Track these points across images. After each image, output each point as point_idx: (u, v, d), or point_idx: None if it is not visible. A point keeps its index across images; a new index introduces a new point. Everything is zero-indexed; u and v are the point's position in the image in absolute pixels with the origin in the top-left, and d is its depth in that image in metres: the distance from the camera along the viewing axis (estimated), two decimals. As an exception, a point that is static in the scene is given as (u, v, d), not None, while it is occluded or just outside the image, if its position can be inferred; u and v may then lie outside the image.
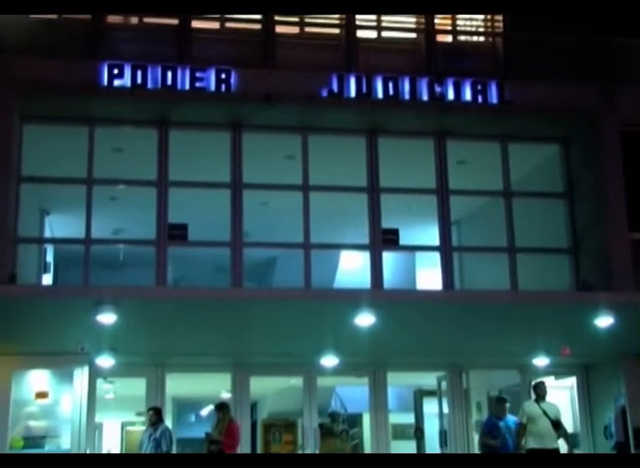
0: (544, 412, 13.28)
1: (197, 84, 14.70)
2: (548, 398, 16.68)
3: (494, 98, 15.45)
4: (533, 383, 14.14)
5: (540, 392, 13.83)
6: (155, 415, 14.42)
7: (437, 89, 15.37)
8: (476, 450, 16.49)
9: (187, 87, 14.67)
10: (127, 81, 14.49)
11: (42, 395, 14.57)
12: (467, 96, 15.43)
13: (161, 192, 15.01)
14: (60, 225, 17.01)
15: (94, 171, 14.83)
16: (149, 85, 14.56)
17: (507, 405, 14.68)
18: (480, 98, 15.44)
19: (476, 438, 16.98)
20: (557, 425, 13.31)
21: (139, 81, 14.50)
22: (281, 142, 15.52)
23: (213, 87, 14.74)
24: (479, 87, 15.43)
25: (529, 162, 16.26)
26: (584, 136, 15.90)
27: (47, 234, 17.15)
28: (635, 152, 15.83)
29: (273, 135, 15.40)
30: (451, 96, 15.38)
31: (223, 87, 14.77)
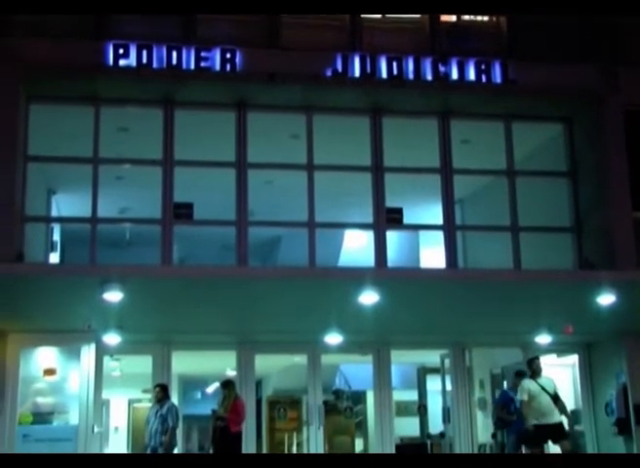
0: (543, 388, 13.11)
1: (202, 64, 14.64)
2: (549, 374, 16.86)
3: (497, 78, 15.39)
4: (527, 359, 14.01)
5: (536, 368, 13.57)
6: (161, 392, 14.51)
7: (441, 68, 15.30)
8: (478, 427, 16.62)
9: (192, 66, 14.61)
10: (132, 61, 14.43)
11: (50, 372, 14.67)
12: (471, 75, 15.35)
13: (166, 171, 15.00)
14: (67, 204, 17.00)
15: (100, 150, 14.79)
16: (155, 65, 14.50)
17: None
18: (484, 78, 15.38)
19: (479, 415, 17.12)
20: (556, 399, 13.16)
21: (144, 61, 14.43)
22: (286, 122, 15.46)
23: (218, 66, 14.69)
24: (483, 67, 15.36)
25: (532, 141, 16.20)
26: (588, 115, 15.82)
27: (54, 213, 17.15)
28: (638, 132, 15.80)
29: (278, 114, 15.34)
30: (455, 75, 15.30)
31: (228, 66, 14.72)
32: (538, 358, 13.84)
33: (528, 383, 13.40)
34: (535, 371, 13.43)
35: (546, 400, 13.01)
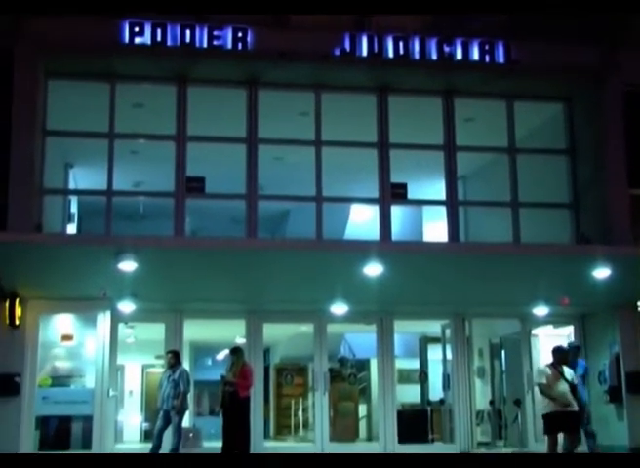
0: (562, 375, 12.19)
1: (214, 42, 14.63)
2: (547, 347, 16.86)
3: (500, 58, 15.36)
4: (553, 348, 12.80)
5: (564, 358, 12.52)
6: (174, 358, 14.52)
7: (446, 48, 15.28)
8: (477, 394, 16.73)
9: (205, 45, 14.61)
10: (147, 39, 14.44)
11: (67, 338, 14.75)
12: (475, 55, 15.33)
13: (179, 146, 15.05)
14: (84, 178, 17.04)
15: (115, 125, 14.86)
16: (169, 42, 14.50)
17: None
18: (487, 58, 15.35)
19: (478, 382, 17.22)
20: (574, 389, 12.22)
21: (158, 39, 14.45)
22: (295, 99, 15.48)
23: (229, 45, 14.68)
24: (486, 47, 15.34)
25: (533, 120, 16.21)
26: (587, 95, 15.82)
27: (71, 186, 17.19)
28: (636, 111, 15.77)
29: (288, 92, 15.36)
30: (459, 55, 15.28)
31: (240, 45, 14.69)
32: (565, 349, 12.91)
33: (546, 369, 12.43)
34: (561, 361, 12.43)
35: (564, 388, 12.11)
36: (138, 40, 14.42)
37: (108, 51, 14.37)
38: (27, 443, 13.58)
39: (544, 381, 12.11)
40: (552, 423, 12.02)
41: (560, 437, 12.03)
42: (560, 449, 11.97)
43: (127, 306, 14.37)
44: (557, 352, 12.50)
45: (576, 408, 12.07)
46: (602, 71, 15.51)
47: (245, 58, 14.79)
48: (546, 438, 12.26)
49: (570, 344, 13.45)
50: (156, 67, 14.81)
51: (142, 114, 15.41)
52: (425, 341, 19.14)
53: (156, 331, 15.59)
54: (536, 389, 13.20)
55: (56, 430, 14.30)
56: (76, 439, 14.19)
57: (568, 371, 12.27)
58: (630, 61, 15.44)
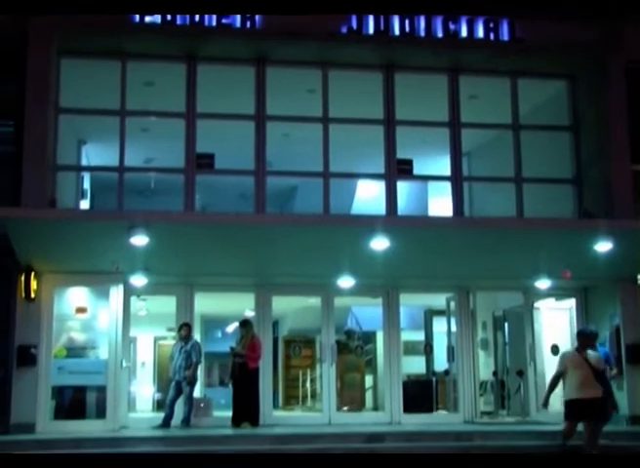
0: (586, 360, 11.52)
1: (224, 20, 14.63)
2: (549, 319, 16.91)
3: (505, 36, 15.34)
4: (578, 331, 12.46)
5: (589, 341, 11.88)
6: (188, 330, 14.70)
7: (451, 26, 15.25)
8: (480, 366, 16.79)
9: (214, 23, 14.61)
10: (157, 17, 14.43)
11: (81, 310, 14.74)
12: (480, 33, 15.31)
13: (189, 123, 15.08)
14: (96, 154, 17.09)
15: (126, 103, 14.89)
16: (178, 21, 14.52)
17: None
18: (492, 36, 15.33)
19: (481, 354, 17.27)
20: (599, 375, 11.51)
21: (168, 18, 14.44)
22: (303, 77, 15.47)
23: (238, 23, 14.68)
24: (491, 25, 15.30)
25: (537, 97, 16.18)
26: (590, 72, 15.78)
27: (84, 162, 17.23)
28: (639, 88, 15.73)
29: (295, 69, 15.36)
30: (464, 33, 15.27)
31: (248, 23, 14.69)
32: (590, 332, 12.26)
33: (569, 354, 11.92)
34: (586, 345, 11.76)
35: (587, 372, 11.43)
36: (148, 19, 14.42)
37: (120, 30, 14.37)
38: (44, 412, 13.67)
39: (562, 368, 11.62)
40: (572, 410, 11.62)
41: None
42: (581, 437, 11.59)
43: (139, 280, 14.41)
44: (582, 335, 11.98)
45: (598, 394, 11.42)
46: (604, 48, 15.46)
47: (253, 37, 14.79)
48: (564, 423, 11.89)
49: (585, 330, 12.69)
50: (166, 46, 14.80)
51: (153, 92, 15.43)
52: (430, 314, 19.16)
53: (167, 305, 15.62)
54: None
55: (71, 399, 14.37)
56: (91, 408, 14.28)
57: (593, 356, 11.67)
58: (632, 39, 15.38)
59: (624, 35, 15.41)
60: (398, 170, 15.62)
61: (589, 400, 11.42)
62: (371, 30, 15.04)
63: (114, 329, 14.31)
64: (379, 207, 15.79)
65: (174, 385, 14.54)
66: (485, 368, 17.56)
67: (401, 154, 15.63)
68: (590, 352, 11.72)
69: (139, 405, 19.66)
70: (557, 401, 16.64)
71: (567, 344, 16.70)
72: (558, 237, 13.56)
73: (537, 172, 15.89)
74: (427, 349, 18.85)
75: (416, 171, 15.89)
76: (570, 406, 11.66)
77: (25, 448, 12.09)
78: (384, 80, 15.67)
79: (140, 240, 12.40)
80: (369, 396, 18.63)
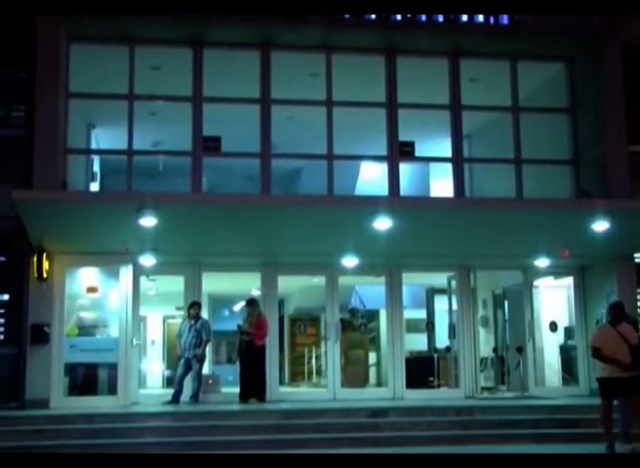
0: (621, 335, 10.76)
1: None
2: (547, 297, 16.97)
3: (504, 19, 15.29)
4: (610, 304, 11.72)
5: (622, 314, 11.14)
6: (198, 309, 14.75)
7: (452, 11, 15.24)
8: (480, 342, 16.88)
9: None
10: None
11: (92, 290, 14.83)
12: (480, 17, 15.26)
13: (196, 107, 15.09)
14: (106, 138, 17.12)
15: (135, 87, 14.89)
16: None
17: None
18: (492, 20, 15.30)
19: (481, 331, 17.36)
20: (632, 349, 10.69)
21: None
22: (306, 61, 15.46)
23: (243, 8, 14.68)
24: (491, 9, 15.28)
25: (536, 79, 16.17)
26: (588, 55, 15.74)
27: (93, 146, 17.26)
28: (635, 70, 15.69)
29: (299, 53, 15.35)
30: (464, 17, 15.22)
31: (253, 8, 14.69)
32: (622, 305, 11.49)
33: (602, 329, 11.38)
34: (617, 318, 11.01)
35: (622, 350, 10.69)
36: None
37: (127, 15, 14.27)
38: (57, 388, 13.78)
39: (598, 344, 10.86)
40: (607, 388, 10.91)
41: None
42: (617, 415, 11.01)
43: (148, 260, 14.45)
44: (614, 308, 11.20)
45: (635, 371, 10.65)
46: (602, 31, 15.41)
47: (258, 22, 14.72)
48: (600, 401, 11.11)
49: (619, 302, 11.89)
50: (173, 31, 14.79)
51: (160, 76, 15.43)
52: (432, 292, 19.18)
53: (176, 284, 15.67)
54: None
55: (83, 376, 14.47)
56: (102, 385, 14.38)
57: (627, 329, 10.94)
58: (629, 21, 15.30)
59: (621, 18, 15.33)
60: (400, 152, 15.63)
61: (625, 378, 10.69)
62: (373, 15, 15.00)
63: (124, 308, 14.38)
64: (381, 188, 15.81)
65: (183, 362, 14.63)
66: (485, 344, 17.65)
67: (403, 136, 15.63)
68: (623, 326, 10.96)
69: (149, 381, 19.79)
70: (554, 376, 16.84)
71: (565, 321, 16.88)
72: (556, 217, 13.57)
73: (535, 153, 15.90)
74: (429, 327, 18.90)
75: (417, 152, 15.89)
76: (603, 383, 10.98)
77: (39, 423, 12.24)
78: (386, 64, 15.67)
79: (148, 221, 12.43)
80: (372, 372, 18.67)
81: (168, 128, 16.11)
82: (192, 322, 14.70)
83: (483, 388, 16.19)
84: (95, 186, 16.96)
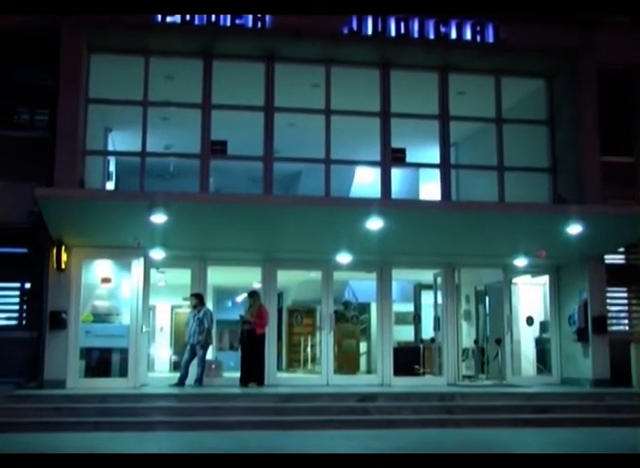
0: None
1: (237, 21, 14.68)
2: (525, 293, 17.02)
3: (490, 38, 15.36)
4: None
5: None
6: (198, 300, 14.78)
7: (442, 29, 15.29)
8: (463, 334, 16.95)
9: (228, 23, 14.65)
10: (177, 17, 14.47)
11: (106, 280, 14.85)
12: (468, 35, 15.34)
13: (205, 114, 15.15)
14: (121, 140, 17.19)
15: (149, 95, 14.98)
16: (196, 21, 14.57)
17: None
18: (478, 38, 15.36)
19: (464, 324, 17.44)
20: None
21: (187, 18, 14.50)
22: (307, 72, 15.54)
23: (250, 24, 14.73)
24: (478, 28, 15.34)
25: (518, 93, 16.26)
26: (566, 72, 15.85)
27: (110, 148, 17.32)
28: (608, 88, 15.83)
29: (301, 66, 15.43)
30: (453, 35, 15.31)
31: (259, 24, 14.73)
32: None
33: None
34: None
35: None
36: (169, 18, 14.47)
37: (143, 29, 14.45)
38: (73, 370, 13.86)
39: None
40: None
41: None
42: None
43: (158, 254, 14.48)
44: None
45: None
46: (579, 51, 15.53)
47: (264, 36, 14.85)
48: None
49: None
50: (185, 43, 14.88)
51: (173, 85, 15.51)
52: (419, 288, 19.16)
53: (183, 276, 15.67)
54: None
55: (97, 360, 14.51)
56: (115, 367, 14.43)
57: None
58: (605, 42, 15.45)
59: (596, 40, 15.46)
60: (392, 157, 15.70)
61: None
62: (369, 31, 15.08)
63: (135, 297, 14.42)
64: (374, 191, 15.86)
65: (188, 348, 14.67)
66: (467, 336, 17.74)
67: (395, 143, 15.70)
68: None
69: (157, 365, 19.74)
70: (529, 366, 16.96)
71: (540, 316, 17.00)
72: (534, 220, 13.64)
73: (516, 161, 15.97)
74: (416, 319, 18.90)
75: (408, 159, 15.96)
76: None
77: (57, 401, 12.34)
78: (381, 76, 15.74)
79: (159, 218, 12.48)
80: (363, 360, 18.68)
81: (179, 132, 16.17)
82: (196, 311, 14.78)
83: (464, 376, 16.26)
84: (110, 185, 16.97)
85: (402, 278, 18.11)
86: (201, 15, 14.52)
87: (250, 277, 17.08)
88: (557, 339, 15.93)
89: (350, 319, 18.68)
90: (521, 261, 15.36)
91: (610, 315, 15.38)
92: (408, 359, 16.65)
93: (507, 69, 15.95)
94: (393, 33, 15.16)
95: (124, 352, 14.30)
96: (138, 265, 14.52)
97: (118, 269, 14.96)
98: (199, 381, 14.48)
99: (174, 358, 20.10)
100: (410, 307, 19.47)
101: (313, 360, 18.94)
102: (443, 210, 14.11)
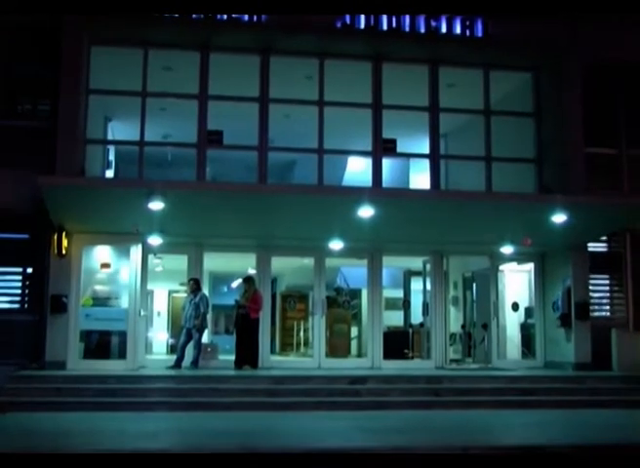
0: None
1: (233, 15, 14.65)
2: (511, 280, 17.09)
3: (479, 32, 15.36)
4: None
5: None
6: (195, 285, 14.79)
7: (432, 23, 15.29)
8: (451, 319, 17.01)
9: (225, 17, 14.62)
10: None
11: (106, 266, 14.88)
12: (457, 29, 15.36)
13: (202, 104, 15.13)
14: (120, 130, 17.15)
15: (147, 86, 14.95)
16: (194, 15, 14.53)
17: None
18: (468, 32, 15.39)
19: (452, 310, 17.51)
20: None
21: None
22: (302, 65, 15.51)
23: (246, 17, 14.70)
24: (467, 22, 15.35)
25: (505, 86, 16.26)
26: (552, 67, 15.85)
27: (109, 137, 17.29)
28: (593, 81, 15.88)
29: (296, 58, 15.40)
30: (444, 29, 15.33)
31: (255, 17, 14.69)
32: None
33: None
34: None
35: None
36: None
37: (142, 22, 14.39)
38: (74, 352, 13.90)
39: None
40: None
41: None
42: None
43: (156, 240, 14.48)
44: None
45: None
46: (565, 46, 15.56)
47: (259, 29, 14.83)
48: None
49: None
50: (183, 36, 14.84)
51: (171, 76, 15.47)
52: (409, 274, 19.19)
53: (180, 262, 15.67)
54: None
55: (97, 342, 14.48)
56: (114, 350, 14.46)
57: None
58: (590, 38, 15.49)
59: (581, 36, 15.49)
60: (384, 148, 15.69)
61: None
62: (362, 25, 15.09)
63: (134, 282, 14.43)
64: (366, 180, 15.87)
65: (185, 332, 14.71)
66: (455, 321, 17.81)
67: (386, 134, 15.71)
68: None
69: (154, 348, 19.69)
70: (514, 350, 17.08)
71: (525, 302, 17.10)
72: (520, 209, 13.65)
73: (504, 152, 16.00)
74: (405, 305, 18.92)
75: (399, 149, 15.96)
76: None
77: (58, 382, 12.44)
78: (373, 69, 15.73)
79: (157, 205, 12.47)
80: (354, 344, 18.69)
81: (176, 122, 16.14)
82: (192, 296, 14.83)
83: (452, 360, 16.32)
84: (110, 173, 16.98)
85: (392, 265, 18.09)
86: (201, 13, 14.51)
87: (245, 263, 17.05)
88: (541, 325, 16.02)
89: (342, 304, 18.68)
90: (507, 249, 15.40)
91: (592, 301, 15.48)
92: (397, 343, 16.65)
93: (496, 63, 15.96)
94: (385, 27, 15.17)
95: (122, 335, 14.32)
96: (136, 251, 14.50)
97: (117, 255, 14.96)
98: (195, 363, 14.53)
99: (171, 341, 20.08)
100: (400, 293, 19.51)
101: (306, 344, 18.91)
102: (432, 199, 14.11)
